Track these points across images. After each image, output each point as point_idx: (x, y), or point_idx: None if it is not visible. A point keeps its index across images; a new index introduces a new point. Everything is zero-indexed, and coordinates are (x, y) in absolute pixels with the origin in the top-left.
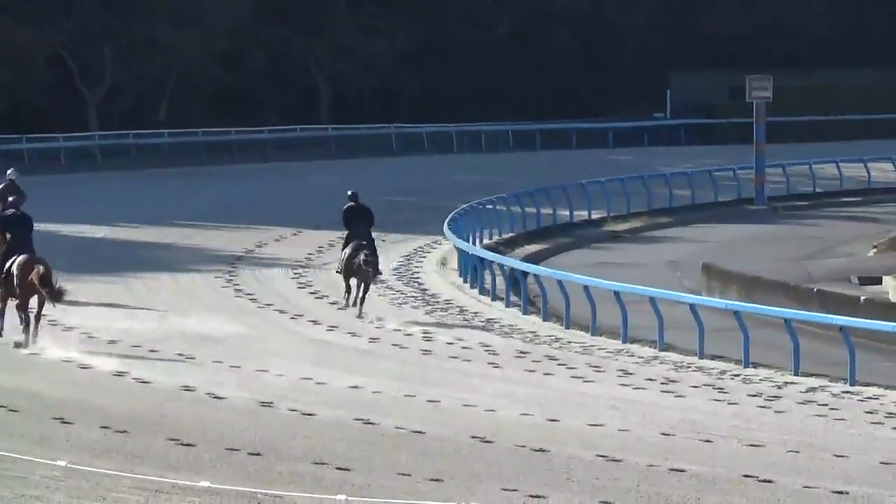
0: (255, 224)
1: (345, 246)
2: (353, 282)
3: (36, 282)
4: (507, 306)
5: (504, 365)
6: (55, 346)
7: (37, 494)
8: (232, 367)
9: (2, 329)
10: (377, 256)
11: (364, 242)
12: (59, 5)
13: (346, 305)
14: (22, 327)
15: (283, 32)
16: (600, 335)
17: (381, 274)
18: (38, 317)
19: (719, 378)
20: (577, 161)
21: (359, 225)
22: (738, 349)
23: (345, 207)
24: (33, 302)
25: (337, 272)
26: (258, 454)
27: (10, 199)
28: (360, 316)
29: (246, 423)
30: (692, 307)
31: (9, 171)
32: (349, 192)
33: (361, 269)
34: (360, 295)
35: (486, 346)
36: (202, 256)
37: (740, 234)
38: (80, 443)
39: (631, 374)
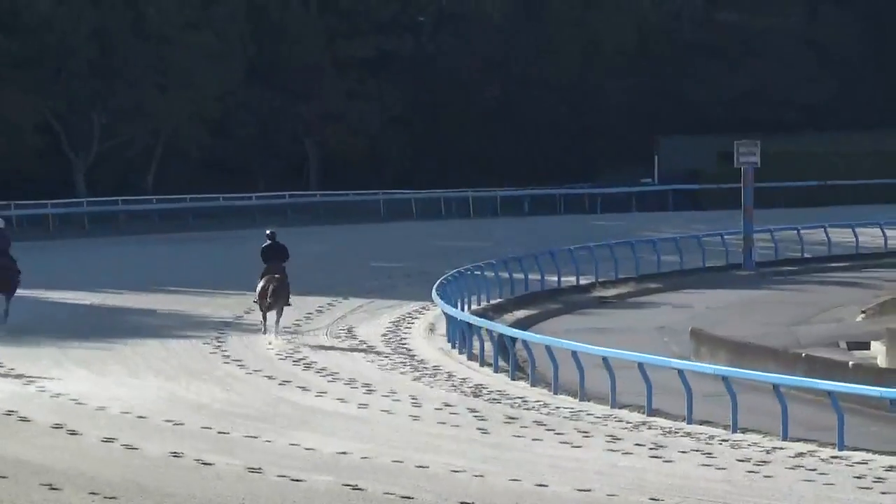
0: (243, 290)
1: (260, 278)
2: (268, 312)
3: None
4: (496, 372)
5: (492, 430)
6: (44, 412)
7: None
8: (220, 433)
9: None
10: (287, 288)
11: (276, 276)
12: (48, 71)
13: (264, 332)
14: None
15: (272, 98)
16: (588, 400)
17: (290, 305)
18: None
19: (708, 443)
20: (566, 226)
21: (274, 261)
22: (726, 414)
23: (263, 245)
24: None
25: (255, 302)
26: None
27: None
28: (276, 335)
29: (235, 490)
30: (681, 372)
31: None
32: (267, 232)
33: (270, 301)
34: (276, 320)
35: (475, 411)
36: (190, 322)
37: (729, 300)
38: None
39: (619, 439)
